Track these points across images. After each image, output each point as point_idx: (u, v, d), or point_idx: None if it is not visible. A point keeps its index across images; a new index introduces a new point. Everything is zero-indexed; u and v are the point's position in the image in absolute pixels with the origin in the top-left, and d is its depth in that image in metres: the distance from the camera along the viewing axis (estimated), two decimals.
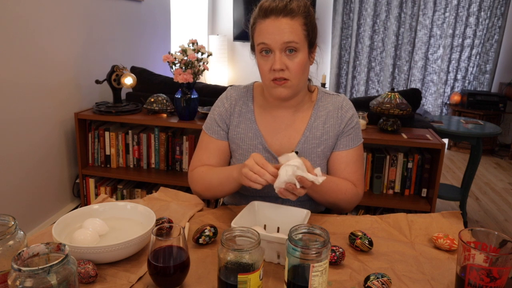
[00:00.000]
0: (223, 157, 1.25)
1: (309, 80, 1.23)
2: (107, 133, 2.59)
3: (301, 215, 0.98)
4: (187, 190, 1.32)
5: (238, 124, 1.22)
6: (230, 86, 1.31)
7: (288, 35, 1.05)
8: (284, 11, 1.06)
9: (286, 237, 0.72)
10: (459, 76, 4.86)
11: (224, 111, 1.23)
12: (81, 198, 2.71)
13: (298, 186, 0.96)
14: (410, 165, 2.34)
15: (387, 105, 2.25)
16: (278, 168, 0.98)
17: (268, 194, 1.20)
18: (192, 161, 1.26)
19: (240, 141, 1.22)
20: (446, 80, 4.86)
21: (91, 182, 2.66)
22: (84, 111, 2.59)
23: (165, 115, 2.58)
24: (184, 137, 2.56)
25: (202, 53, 2.33)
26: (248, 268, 0.71)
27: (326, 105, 1.22)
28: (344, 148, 1.20)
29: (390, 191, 2.40)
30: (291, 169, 0.95)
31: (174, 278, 0.77)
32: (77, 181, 2.74)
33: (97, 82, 2.59)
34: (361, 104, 2.50)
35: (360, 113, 2.39)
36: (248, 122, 1.22)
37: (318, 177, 0.97)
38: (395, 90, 2.74)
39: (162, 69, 3.44)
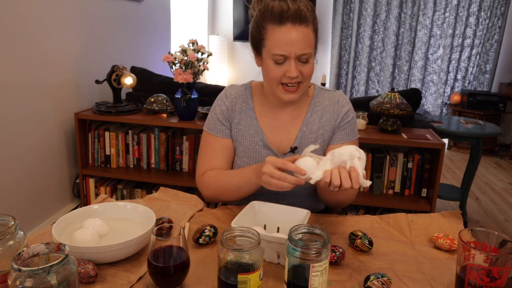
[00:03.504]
0: (230, 155, 1.24)
1: None
2: (107, 133, 2.59)
3: (301, 215, 0.98)
4: (187, 190, 1.33)
5: (239, 122, 1.23)
6: (228, 86, 1.31)
7: (304, 47, 1.05)
8: (299, 18, 1.03)
9: (286, 237, 0.72)
10: (459, 76, 4.86)
11: (225, 109, 1.23)
12: (81, 198, 2.71)
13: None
14: (410, 165, 2.34)
15: (387, 105, 2.25)
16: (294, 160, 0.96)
17: (269, 192, 1.20)
18: (199, 165, 1.24)
19: (241, 138, 1.22)
20: (446, 80, 4.86)
21: (91, 182, 2.66)
22: (84, 111, 2.59)
23: (165, 115, 2.58)
24: (184, 137, 2.56)
25: (202, 53, 2.33)
26: (248, 268, 0.71)
27: (322, 101, 1.23)
28: (339, 142, 1.21)
29: (390, 191, 2.40)
30: (348, 154, 0.91)
31: (174, 278, 0.77)
32: (77, 181, 2.74)
33: (97, 82, 2.59)
34: (361, 104, 2.50)
35: (360, 113, 2.39)
36: (249, 119, 1.22)
37: (366, 180, 0.92)
38: (395, 90, 2.74)
39: (162, 69, 3.44)
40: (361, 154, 0.92)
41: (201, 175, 1.22)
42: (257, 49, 1.14)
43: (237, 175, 1.14)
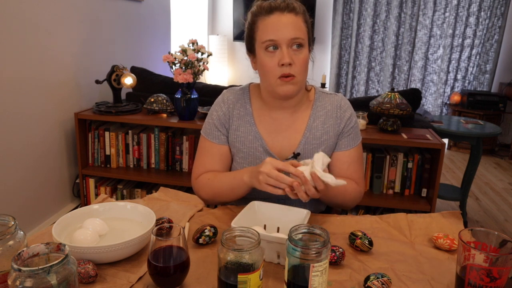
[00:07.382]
0: (227, 161, 1.24)
1: None
2: (107, 133, 2.59)
3: (301, 215, 0.98)
4: (187, 190, 1.32)
5: (237, 128, 1.21)
6: (226, 89, 1.30)
7: (295, 30, 1.07)
8: (287, 8, 1.08)
9: (286, 237, 0.72)
10: (459, 76, 4.86)
11: (222, 115, 1.22)
12: (81, 198, 2.71)
13: (311, 182, 0.95)
14: (410, 165, 2.34)
15: (387, 105, 2.25)
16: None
17: (269, 196, 1.20)
18: (194, 168, 1.24)
19: (240, 144, 1.21)
20: (446, 80, 4.86)
21: (91, 182, 2.66)
22: (84, 111, 2.59)
23: (165, 115, 2.58)
24: (184, 137, 2.56)
25: (202, 53, 2.33)
26: (248, 268, 0.71)
27: (325, 105, 1.21)
28: (345, 148, 1.21)
29: (390, 191, 2.40)
30: (310, 164, 0.96)
31: (174, 278, 0.77)
32: (77, 181, 2.74)
33: (97, 82, 2.59)
34: (361, 104, 2.50)
35: (360, 113, 2.39)
36: (248, 125, 1.20)
37: (334, 179, 0.94)
38: (395, 90, 2.74)
39: (162, 69, 3.44)
40: (320, 158, 0.95)
41: (196, 178, 1.22)
42: (251, 47, 1.15)
43: (231, 176, 1.14)
